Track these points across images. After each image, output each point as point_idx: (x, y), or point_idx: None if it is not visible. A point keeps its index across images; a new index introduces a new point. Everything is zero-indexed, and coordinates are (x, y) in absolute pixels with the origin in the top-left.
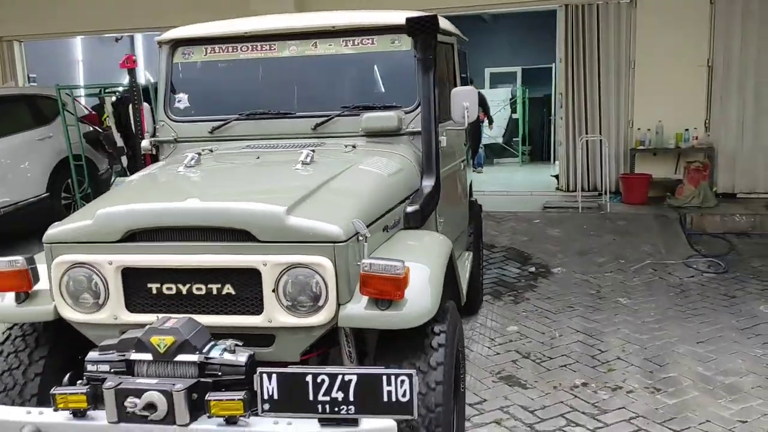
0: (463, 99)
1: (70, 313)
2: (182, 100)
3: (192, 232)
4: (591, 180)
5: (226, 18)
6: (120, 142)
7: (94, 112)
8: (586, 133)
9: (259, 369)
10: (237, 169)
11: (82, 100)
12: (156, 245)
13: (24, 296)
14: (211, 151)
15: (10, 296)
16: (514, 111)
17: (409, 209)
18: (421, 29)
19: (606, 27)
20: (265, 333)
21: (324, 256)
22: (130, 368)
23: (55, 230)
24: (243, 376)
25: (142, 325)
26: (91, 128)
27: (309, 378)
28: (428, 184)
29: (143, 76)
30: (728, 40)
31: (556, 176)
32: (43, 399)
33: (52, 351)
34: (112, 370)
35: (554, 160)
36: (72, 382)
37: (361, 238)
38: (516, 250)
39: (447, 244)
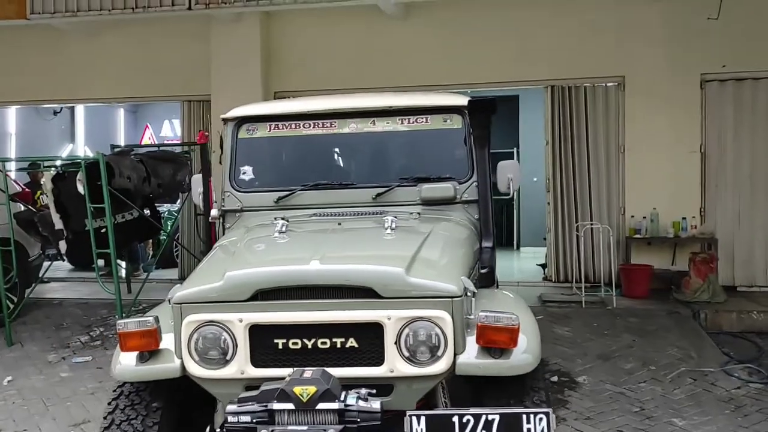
0: (508, 171)
1: (196, 370)
2: (247, 172)
3: (313, 290)
4: (584, 270)
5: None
6: (59, 224)
7: (27, 189)
8: (577, 220)
9: (408, 412)
10: (332, 235)
11: (12, 175)
12: (284, 303)
13: (147, 355)
14: (284, 219)
15: (130, 355)
16: None
17: (483, 270)
18: (481, 110)
19: (594, 109)
20: (385, 383)
21: (444, 310)
22: (271, 418)
23: (184, 292)
24: (379, 422)
25: (266, 379)
26: (24, 207)
27: (455, 419)
28: (488, 245)
29: (82, 150)
30: (720, 126)
31: (542, 265)
32: None
33: (166, 407)
34: (254, 420)
35: (518, 246)
36: None
37: (469, 293)
38: None
39: (524, 301)
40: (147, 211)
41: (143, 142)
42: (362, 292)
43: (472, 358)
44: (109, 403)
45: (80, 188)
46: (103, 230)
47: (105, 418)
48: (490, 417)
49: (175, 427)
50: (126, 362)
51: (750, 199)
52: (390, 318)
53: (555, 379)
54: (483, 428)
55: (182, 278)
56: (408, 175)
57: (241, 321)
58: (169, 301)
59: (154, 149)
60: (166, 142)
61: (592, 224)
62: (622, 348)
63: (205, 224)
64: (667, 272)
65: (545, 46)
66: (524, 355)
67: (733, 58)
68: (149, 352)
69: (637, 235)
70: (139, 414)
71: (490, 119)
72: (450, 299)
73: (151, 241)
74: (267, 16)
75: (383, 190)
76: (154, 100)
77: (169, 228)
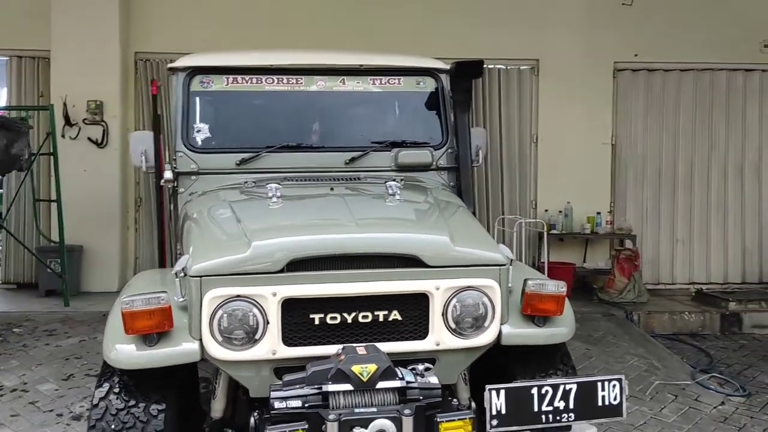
0: (476, 140)
1: (219, 352)
2: (202, 130)
3: (346, 260)
4: None
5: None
6: None
7: None
8: (488, 214)
9: (487, 386)
10: (341, 200)
11: None
12: (322, 274)
13: (156, 338)
14: (255, 183)
15: (127, 339)
16: None
17: None
18: (466, 73)
19: (507, 94)
20: (428, 357)
21: (493, 279)
22: (325, 401)
23: (205, 263)
24: (440, 398)
25: (298, 360)
26: None
27: (534, 390)
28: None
29: None
30: (631, 118)
31: None
32: None
33: (168, 406)
34: (306, 405)
35: None
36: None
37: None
38: None
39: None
40: None
41: None
42: (405, 261)
43: (517, 327)
44: (96, 405)
45: None
46: None
47: (93, 427)
48: (567, 387)
49: (176, 428)
50: (126, 348)
51: (657, 195)
52: (438, 288)
53: None
54: (561, 398)
55: (7, 282)
56: (380, 140)
57: (274, 295)
58: (176, 274)
59: None
60: None
61: (523, 219)
62: (579, 359)
63: (156, 189)
64: (582, 270)
65: (458, 22)
66: (562, 323)
67: (646, 48)
68: (158, 334)
69: (554, 231)
70: (138, 420)
71: (472, 83)
72: (498, 267)
73: None
74: None
75: (357, 154)
76: None
77: None
